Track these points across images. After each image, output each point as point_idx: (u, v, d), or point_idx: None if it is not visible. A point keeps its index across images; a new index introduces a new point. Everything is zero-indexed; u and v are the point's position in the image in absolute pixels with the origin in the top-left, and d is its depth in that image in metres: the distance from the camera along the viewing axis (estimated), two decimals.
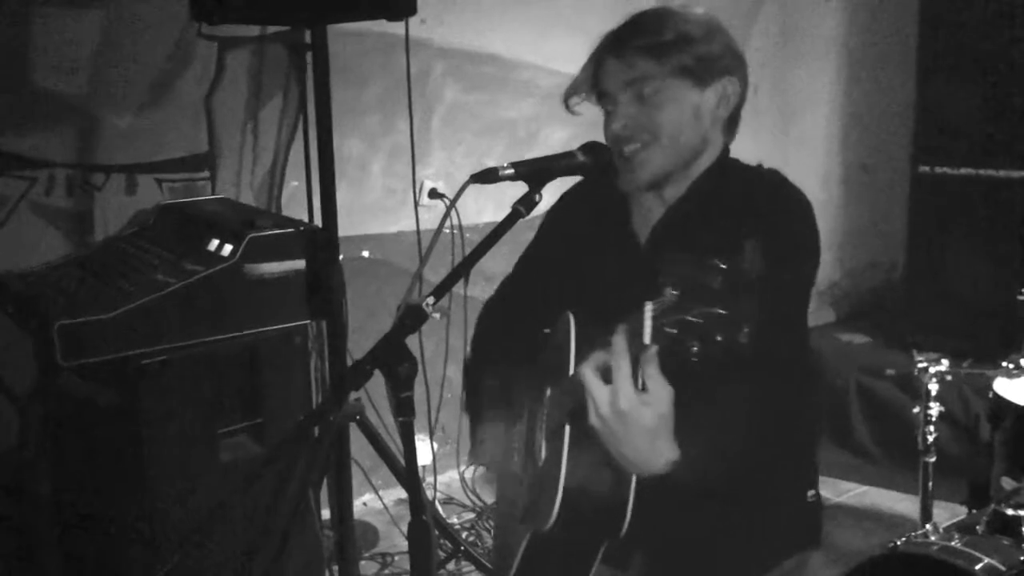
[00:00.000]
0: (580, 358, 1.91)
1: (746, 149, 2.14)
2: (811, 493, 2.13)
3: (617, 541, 1.91)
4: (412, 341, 1.86)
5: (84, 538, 3.07)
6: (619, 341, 1.68)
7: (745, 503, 1.97)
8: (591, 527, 1.93)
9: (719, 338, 1.51)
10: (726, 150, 2.09)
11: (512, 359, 2.24)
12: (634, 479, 1.86)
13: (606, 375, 1.71)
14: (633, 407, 1.68)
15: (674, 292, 1.55)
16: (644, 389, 1.67)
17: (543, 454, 2.04)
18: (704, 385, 1.68)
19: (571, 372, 1.93)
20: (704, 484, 1.80)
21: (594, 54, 2.07)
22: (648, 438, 1.71)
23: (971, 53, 4.62)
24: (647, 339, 1.59)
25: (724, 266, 1.50)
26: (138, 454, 2.88)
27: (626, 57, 2.00)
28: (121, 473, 2.93)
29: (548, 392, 2.06)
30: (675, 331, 1.55)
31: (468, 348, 2.44)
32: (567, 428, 1.91)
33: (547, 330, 2.14)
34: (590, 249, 2.16)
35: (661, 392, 1.67)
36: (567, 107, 2.13)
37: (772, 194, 2.02)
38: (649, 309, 1.59)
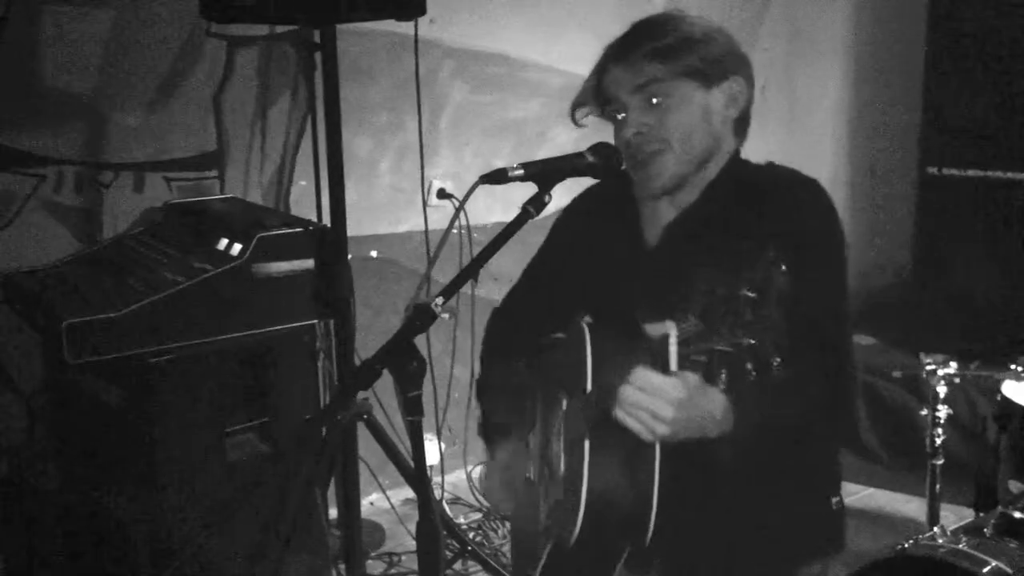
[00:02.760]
0: (597, 371, 1.91)
1: (754, 150, 2.14)
2: (835, 500, 2.13)
3: (640, 549, 1.91)
4: (420, 341, 1.86)
5: (90, 535, 3.07)
6: (643, 373, 1.69)
7: (768, 508, 1.97)
8: (614, 538, 1.93)
9: (749, 366, 1.51)
10: (736, 152, 2.09)
11: (522, 372, 2.23)
12: (656, 489, 1.86)
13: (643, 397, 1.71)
14: (689, 390, 1.68)
15: (699, 320, 1.55)
16: (671, 373, 1.67)
17: (562, 465, 2.03)
18: None
19: (588, 385, 1.93)
20: (763, 430, 1.80)
21: (598, 65, 2.08)
22: (702, 394, 1.72)
23: (979, 54, 4.61)
24: (673, 366, 1.59)
25: (753, 295, 1.49)
26: (145, 452, 2.88)
27: (633, 63, 2.01)
28: (128, 471, 2.93)
29: (565, 403, 2.06)
30: (703, 359, 1.55)
31: (478, 362, 2.43)
32: (587, 441, 1.90)
33: (559, 335, 2.13)
34: (601, 255, 2.16)
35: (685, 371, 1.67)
36: (574, 120, 2.14)
37: (786, 196, 2.01)
38: (674, 336, 1.58)
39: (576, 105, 2.12)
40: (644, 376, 1.68)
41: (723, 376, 1.55)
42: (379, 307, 3.82)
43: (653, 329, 1.67)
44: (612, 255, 2.14)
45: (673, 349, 1.57)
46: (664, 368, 1.62)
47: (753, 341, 1.49)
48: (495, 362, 2.33)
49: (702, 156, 2.03)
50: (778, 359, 1.49)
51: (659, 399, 1.68)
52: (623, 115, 2.04)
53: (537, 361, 2.18)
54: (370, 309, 3.64)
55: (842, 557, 2.16)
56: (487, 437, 2.31)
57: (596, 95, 2.07)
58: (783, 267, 1.48)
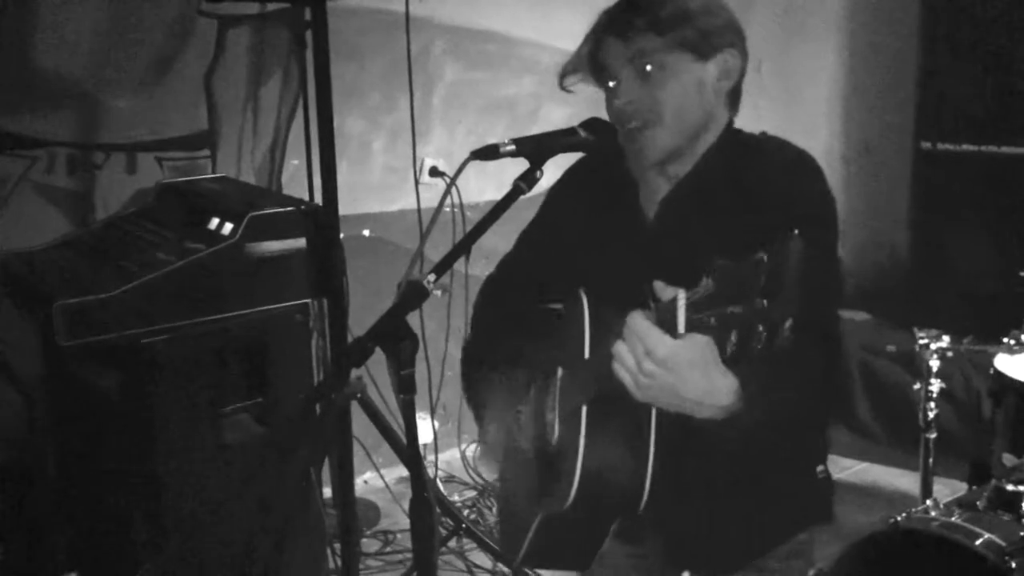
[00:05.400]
0: (595, 340, 1.91)
1: (748, 125, 2.14)
2: (820, 469, 2.14)
3: (632, 518, 1.92)
4: (413, 319, 1.85)
5: (89, 519, 3.07)
6: (637, 317, 1.68)
7: (756, 479, 1.98)
8: (608, 507, 1.94)
9: (760, 329, 1.50)
10: (730, 123, 2.09)
11: (515, 338, 2.23)
12: (651, 458, 1.87)
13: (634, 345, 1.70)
14: (672, 350, 1.67)
15: (711, 282, 1.54)
16: (679, 336, 1.65)
17: (556, 435, 2.04)
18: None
19: (587, 355, 1.93)
20: (769, 416, 1.80)
21: (591, 32, 2.06)
22: (700, 370, 1.71)
23: (974, 28, 4.60)
24: (681, 328, 1.59)
25: (766, 259, 1.49)
26: (140, 434, 2.88)
27: (626, 33, 1.99)
28: (125, 454, 2.93)
29: (560, 373, 2.06)
30: (713, 322, 1.54)
31: (468, 328, 2.43)
32: (584, 410, 1.91)
33: (555, 306, 2.13)
34: (595, 226, 2.15)
35: (695, 333, 1.65)
36: (562, 86, 2.12)
37: (778, 166, 2.01)
38: (682, 298, 1.58)
39: (567, 72, 2.10)
40: (634, 320, 1.68)
41: (732, 338, 1.54)
42: (372, 286, 3.82)
43: (662, 292, 1.67)
44: (608, 228, 2.13)
45: (681, 311, 1.57)
46: (672, 331, 1.62)
47: (766, 303, 1.48)
48: (485, 329, 2.33)
49: (694, 129, 2.03)
50: (789, 321, 1.49)
51: (644, 347, 1.68)
52: (614, 83, 2.02)
53: (532, 330, 2.18)
54: (363, 288, 3.64)
55: (836, 530, 2.17)
56: (472, 401, 2.32)
57: (589, 63, 2.06)
58: (796, 231, 1.48)
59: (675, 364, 1.69)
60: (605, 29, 2.04)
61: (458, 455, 4.21)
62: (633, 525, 2.00)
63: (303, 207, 3.10)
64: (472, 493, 4.05)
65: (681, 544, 2.03)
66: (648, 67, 1.98)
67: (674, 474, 1.91)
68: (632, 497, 1.89)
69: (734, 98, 2.08)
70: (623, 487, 1.90)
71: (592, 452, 1.90)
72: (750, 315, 1.50)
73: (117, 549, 3.00)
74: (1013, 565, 2.22)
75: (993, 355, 3.01)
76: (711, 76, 2.02)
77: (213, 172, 3.74)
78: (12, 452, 3.26)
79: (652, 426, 1.88)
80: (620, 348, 1.72)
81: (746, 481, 1.98)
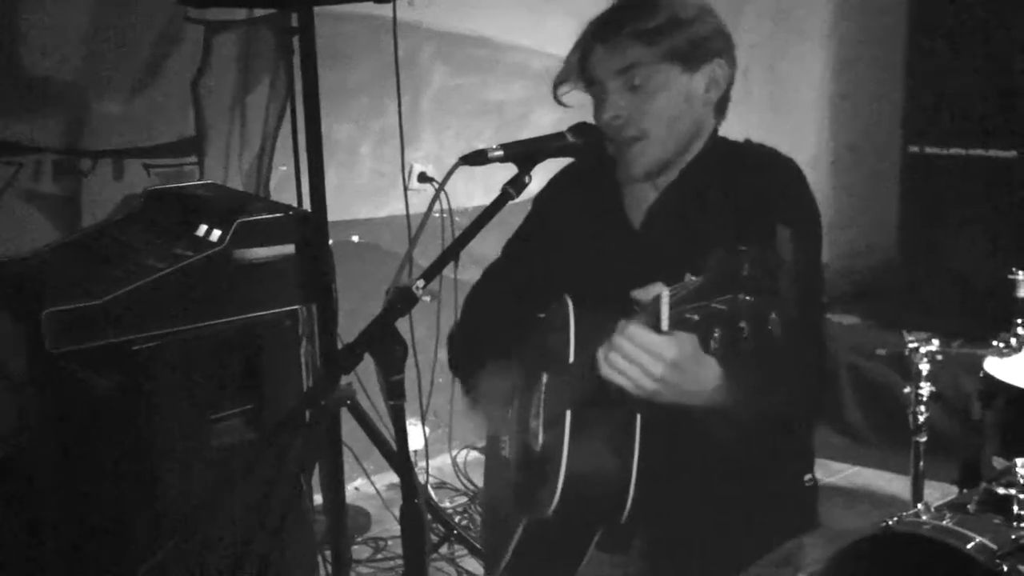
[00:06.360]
0: (580, 345, 1.91)
1: (735, 130, 2.14)
2: (807, 477, 2.14)
3: (616, 527, 1.92)
4: (402, 324, 1.85)
5: (83, 523, 3.06)
6: (635, 327, 1.67)
7: (743, 487, 1.98)
8: (591, 514, 1.94)
9: (742, 325, 1.50)
10: (715, 131, 2.08)
11: (501, 343, 2.22)
12: (635, 465, 1.86)
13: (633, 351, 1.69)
14: (678, 351, 1.67)
15: (694, 278, 1.54)
16: (666, 332, 1.65)
17: (540, 440, 2.03)
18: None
19: (571, 359, 1.93)
20: (757, 415, 1.80)
21: (580, 41, 2.06)
22: (696, 361, 1.71)
23: (961, 32, 4.61)
24: (665, 326, 1.59)
25: (752, 252, 1.48)
26: (130, 440, 2.87)
27: (615, 43, 1.99)
28: (116, 458, 2.92)
29: (545, 378, 2.05)
30: (696, 318, 1.54)
31: (453, 324, 2.42)
32: (568, 415, 1.90)
33: (541, 315, 2.13)
34: (582, 233, 2.15)
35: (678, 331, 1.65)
36: (556, 98, 2.12)
37: (764, 174, 2.01)
38: (666, 296, 1.58)
39: (559, 82, 2.10)
40: (635, 331, 1.67)
41: (716, 335, 1.53)
42: (361, 291, 3.81)
43: (642, 293, 1.66)
44: (595, 235, 2.13)
45: (665, 308, 1.57)
46: (656, 328, 1.62)
47: (750, 298, 1.48)
48: (472, 336, 2.33)
49: (684, 141, 2.02)
50: (773, 315, 1.48)
51: (649, 354, 1.67)
52: (603, 97, 2.02)
53: (517, 337, 2.17)
54: (352, 293, 3.63)
55: (825, 535, 2.17)
56: (463, 377, 2.30)
57: (579, 72, 2.05)
58: (781, 225, 1.48)
59: (683, 362, 1.68)
60: (594, 37, 2.03)
61: (449, 461, 4.20)
62: (617, 534, 1.99)
63: (291, 213, 3.09)
64: (463, 499, 4.04)
65: (666, 553, 2.02)
66: (637, 80, 1.98)
67: (659, 481, 1.90)
68: (616, 504, 1.89)
69: (721, 106, 2.08)
70: (607, 493, 1.89)
71: (576, 458, 1.89)
72: (732, 310, 1.50)
73: (112, 553, 2.98)
74: (1005, 568, 2.22)
75: (983, 358, 3.01)
76: (699, 87, 2.01)
77: (201, 178, 3.73)
78: (7, 454, 3.25)
79: (636, 432, 1.88)
80: (622, 349, 1.70)
81: (732, 489, 1.98)
